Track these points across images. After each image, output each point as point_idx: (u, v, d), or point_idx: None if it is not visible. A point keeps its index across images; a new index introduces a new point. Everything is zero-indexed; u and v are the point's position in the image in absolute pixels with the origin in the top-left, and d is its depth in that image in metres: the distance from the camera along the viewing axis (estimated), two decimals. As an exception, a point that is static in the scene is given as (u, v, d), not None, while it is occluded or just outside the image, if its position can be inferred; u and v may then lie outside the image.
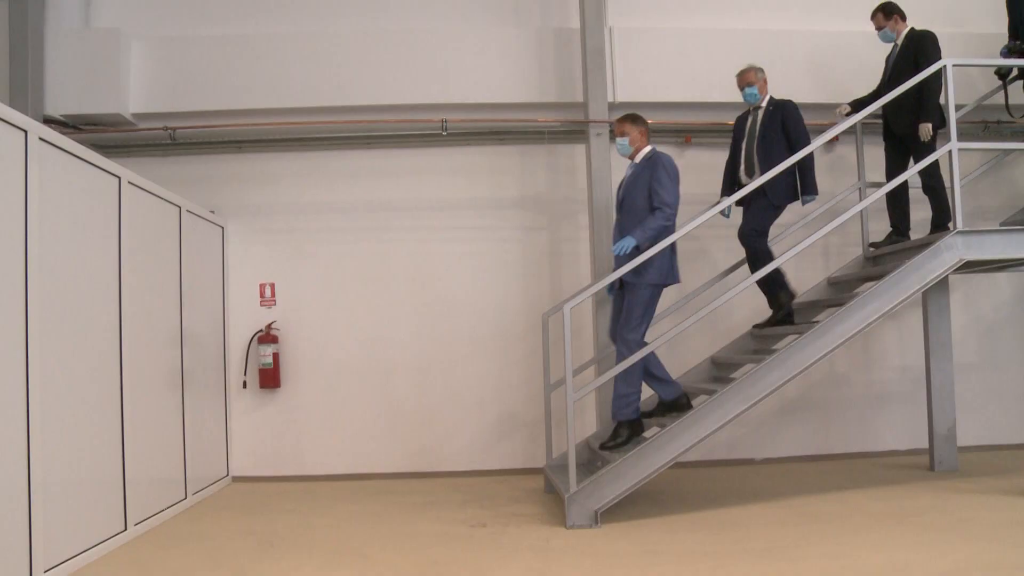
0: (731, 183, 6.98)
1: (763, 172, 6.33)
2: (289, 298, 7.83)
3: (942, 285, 6.93)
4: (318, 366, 7.77)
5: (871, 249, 7.22)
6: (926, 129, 6.46)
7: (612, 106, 7.74)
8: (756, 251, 6.55)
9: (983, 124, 7.90)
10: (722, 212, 6.56)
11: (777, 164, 6.18)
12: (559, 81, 7.92)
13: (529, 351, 7.66)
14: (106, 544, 5.15)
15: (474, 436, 7.74)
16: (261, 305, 7.81)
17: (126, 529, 5.44)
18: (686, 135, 7.92)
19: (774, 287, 6.62)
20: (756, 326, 6.98)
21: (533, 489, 6.87)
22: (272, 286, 7.84)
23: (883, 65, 7.03)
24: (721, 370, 6.90)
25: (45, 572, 4.45)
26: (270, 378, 7.66)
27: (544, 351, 6.94)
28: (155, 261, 6.19)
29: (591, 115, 7.67)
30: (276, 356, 7.67)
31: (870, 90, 7.03)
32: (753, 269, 6.46)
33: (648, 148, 6.27)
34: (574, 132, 7.88)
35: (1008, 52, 6.92)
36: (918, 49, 6.62)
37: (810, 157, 6.44)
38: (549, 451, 6.88)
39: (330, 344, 7.75)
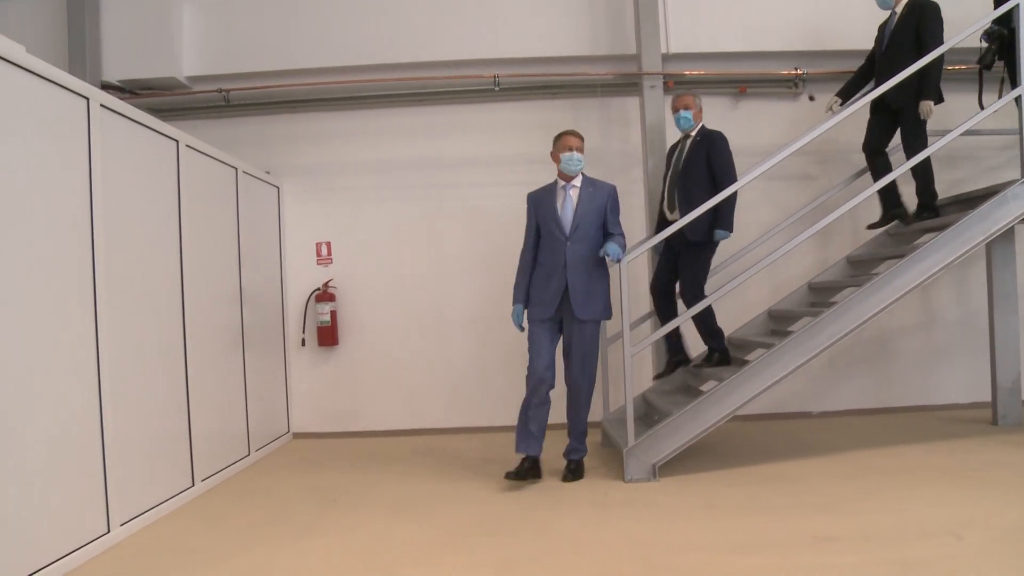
0: (660, 218, 6.69)
1: (681, 210, 6.16)
2: (345, 256, 7.92)
3: (1007, 236, 6.74)
4: (375, 323, 7.86)
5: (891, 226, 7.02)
6: (927, 107, 6.15)
7: (665, 57, 7.64)
8: (691, 305, 6.13)
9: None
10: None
11: (696, 202, 5.95)
12: (611, 33, 7.82)
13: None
14: (176, 499, 5.32)
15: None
16: (318, 264, 7.91)
17: (194, 485, 5.61)
18: (740, 86, 7.78)
19: (710, 332, 6.33)
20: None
21: (590, 443, 6.89)
22: (328, 244, 7.92)
23: (877, 33, 6.71)
24: (778, 323, 6.84)
25: (121, 525, 4.61)
26: (328, 335, 7.78)
27: (600, 306, 6.93)
28: (214, 222, 6.29)
29: (644, 67, 7.56)
30: (334, 314, 7.78)
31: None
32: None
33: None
34: (627, 85, 7.78)
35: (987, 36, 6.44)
36: (920, 20, 6.21)
37: (732, 196, 6.02)
38: (606, 405, 6.90)
39: (386, 301, 7.83)
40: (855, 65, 6.89)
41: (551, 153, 5.97)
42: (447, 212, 7.87)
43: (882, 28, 6.62)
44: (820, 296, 6.81)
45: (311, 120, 7.92)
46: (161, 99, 7.71)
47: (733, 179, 6.06)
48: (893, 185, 6.39)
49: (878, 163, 6.51)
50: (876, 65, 6.57)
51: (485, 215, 7.83)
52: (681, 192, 6.28)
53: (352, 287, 7.90)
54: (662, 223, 6.58)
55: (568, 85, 7.82)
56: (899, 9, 6.42)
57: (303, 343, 7.85)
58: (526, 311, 5.84)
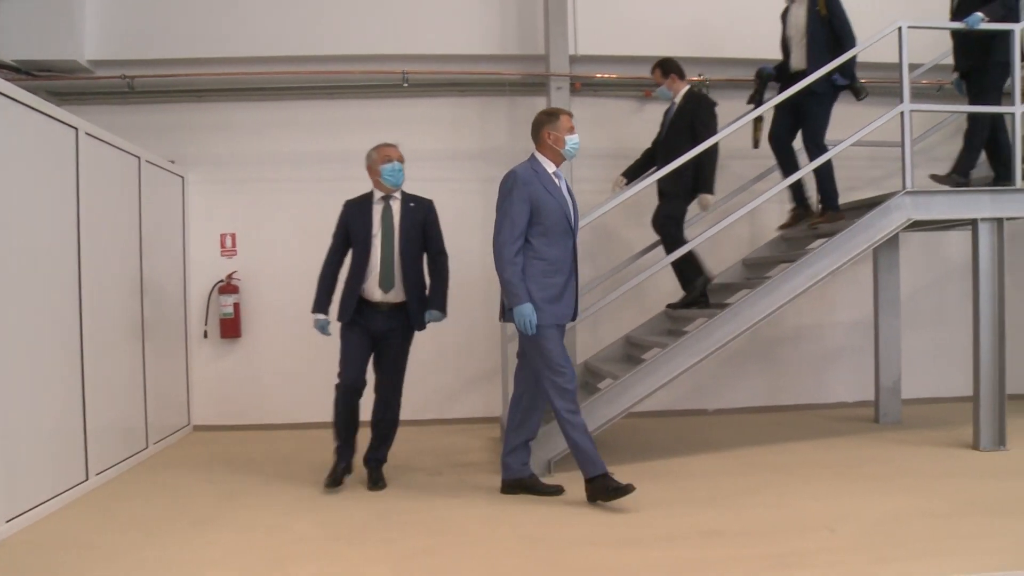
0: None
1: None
2: (250, 248, 7.85)
3: (892, 243, 7.10)
4: (279, 316, 7.80)
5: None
6: (706, 201, 6.52)
7: (574, 59, 7.80)
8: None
9: (938, 86, 8.00)
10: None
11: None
12: (521, 33, 7.92)
13: (487, 303, 7.73)
14: (68, 494, 5.23)
15: (436, 386, 7.84)
16: (222, 255, 7.82)
17: (87, 479, 5.52)
18: (646, 89, 7.96)
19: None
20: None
21: (492, 438, 7.02)
22: (233, 236, 7.85)
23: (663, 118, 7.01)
24: (675, 323, 7.02)
25: (7, 521, 4.53)
26: (231, 328, 7.71)
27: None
28: (114, 212, 6.18)
29: (552, 68, 7.69)
30: (237, 306, 7.72)
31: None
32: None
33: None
34: (535, 85, 7.89)
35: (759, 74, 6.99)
36: (694, 113, 6.59)
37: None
38: (505, 401, 7.00)
39: (291, 294, 7.73)
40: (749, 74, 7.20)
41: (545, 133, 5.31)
42: (354, 206, 7.85)
43: (665, 115, 6.91)
44: (715, 297, 7.03)
45: (218, 110, 7.82)
46: (61, 83, 7.52)
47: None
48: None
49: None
50: (657, 149, 6.91)
51: (392, 210, 7.84)
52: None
53: (256, 279, 7.84)
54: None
55: (477, 83, 7.90)
56: (678, 100, 6.73)
57: (205, 335, 7.77)
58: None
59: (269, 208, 7.84)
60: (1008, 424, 6.21)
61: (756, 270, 7.22)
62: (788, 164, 6.83)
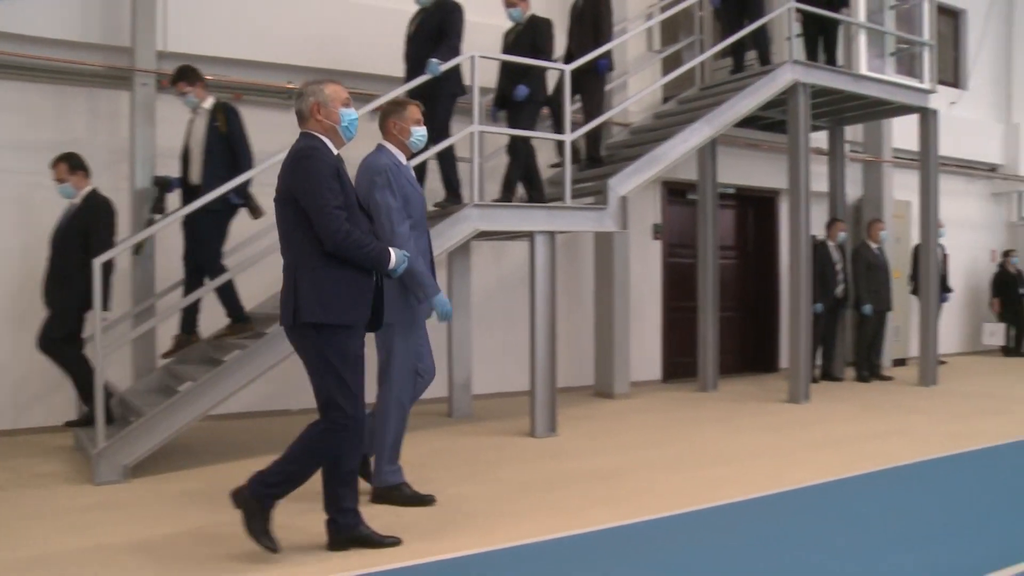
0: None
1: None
2: None
3: (464, 250, 7.76)
4: None
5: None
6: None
7: (161, 55, 7.52)
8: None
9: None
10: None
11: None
12: (105, 21, 7.48)
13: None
14: None
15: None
16: None
17: None
18: (236, 92, 7.91)
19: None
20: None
21: (61, 447, 6.61)
22: None
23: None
24: (259, 324, 7.03)
25: None
26: None
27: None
28: None
29: (138, 63, 7.38)
30: None
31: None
32: None
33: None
34: (119, 78, 7.51)
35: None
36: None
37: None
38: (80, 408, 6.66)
39: None
40: (350, 85, 7.41)
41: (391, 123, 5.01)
42: None
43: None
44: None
45: None
46: None
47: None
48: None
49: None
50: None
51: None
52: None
53: None
54: None
55: (53, 70, 7.33)
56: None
57: None
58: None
59: None
60: (559, 413, 7.12)
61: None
62: (192, 282, 6.77)
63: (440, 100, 7.03)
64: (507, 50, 7.64)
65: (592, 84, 7.94)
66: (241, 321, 6.61)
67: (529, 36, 7.55)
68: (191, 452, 6.31)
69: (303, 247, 3.99)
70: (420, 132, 5.00)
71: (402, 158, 4.98)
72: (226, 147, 6.46)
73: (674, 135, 7.88)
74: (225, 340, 6.57)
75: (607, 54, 7.90)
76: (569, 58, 7.98)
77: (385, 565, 3.93)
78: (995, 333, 13.61)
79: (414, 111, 5.00)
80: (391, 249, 4.15)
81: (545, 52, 7.47)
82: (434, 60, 6.78)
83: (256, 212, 6.63)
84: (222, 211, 6.43)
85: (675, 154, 7.85)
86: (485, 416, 7.94)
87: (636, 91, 9.12)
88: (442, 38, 7.02)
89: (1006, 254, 13.98)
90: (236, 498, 4.03)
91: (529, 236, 6.98)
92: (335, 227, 3.90)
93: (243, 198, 6.48)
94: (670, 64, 9.78)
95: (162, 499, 5.09)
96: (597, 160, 8.32)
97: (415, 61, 7.09)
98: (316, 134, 4.14)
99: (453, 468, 5.92)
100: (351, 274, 4.02)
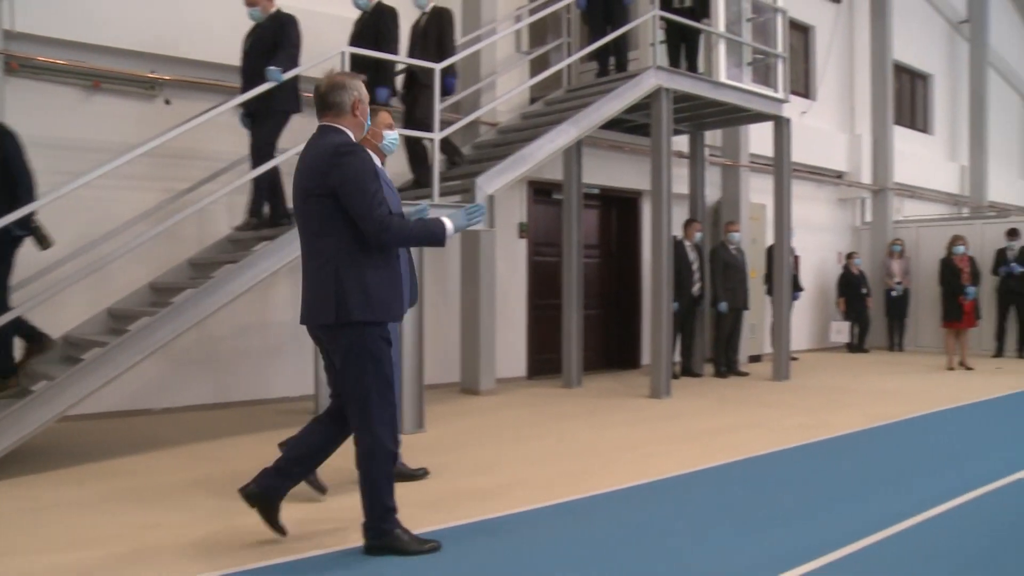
0: None
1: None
2: None
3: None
4: None
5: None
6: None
7: (9, 35, 7.10)
8: None
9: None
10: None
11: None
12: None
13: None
14: None
15: None
16: None
17: None
18: (95, 80, 7.61)
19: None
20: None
21: None
22: None
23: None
24: (119, 322, 6.85)
25: None
26: None
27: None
28: None
29: (-21, 42, 7.01)
30: None
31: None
32: None
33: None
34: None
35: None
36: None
37: None
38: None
39: None
40: (213, 76, 7.30)
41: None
42: None
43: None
44: (161, 296, 6.96)
45: None
46: None
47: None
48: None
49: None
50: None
51: None
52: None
53: None
54: None
55: None
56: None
57: None
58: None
59: None
60: (427, 410, 7.18)
61: (201, 270, 7.27)
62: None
63: (272, 116, 6.95)
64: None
65: (426, 99, 7.64)
66: (36, 341, 6.31)
67: (373, 26, 7.60)
68: (49, 454, 6.03)
69: (341, 243, 3.89)
70: (392, 136, 5.10)
71: (378, 162, 4.98)
72: (3, 173, 5.87)
73: (541, 135, 8.02)
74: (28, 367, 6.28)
75: (452, 70, 7.89)
76: (411, 78, 8.02)
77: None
78: (841, 331, 14.36)
79: (385, 116, 5.12)
80: (440, 218, 4.07)
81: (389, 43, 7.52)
82: (274, 68, 6.63)
83: (44, 242, 6.15)
84: (3, 243, 5.86)
85: (542, 154, 7.98)
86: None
87: (504, 91, 9.23)
88: (278, 49, 6.88)
89: (850, 256, 14.82)
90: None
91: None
92: (387, 221, 3.85)
93: (27, 229, 5.94)
94: (538, 66, 9.96)
95: (14, 504, 4.87)
96: (457, 165, 8.47)
97: (250, 75, 6.93)
98: (345, 129, 4.04)
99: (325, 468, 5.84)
100: (392, 269, 4.04)
